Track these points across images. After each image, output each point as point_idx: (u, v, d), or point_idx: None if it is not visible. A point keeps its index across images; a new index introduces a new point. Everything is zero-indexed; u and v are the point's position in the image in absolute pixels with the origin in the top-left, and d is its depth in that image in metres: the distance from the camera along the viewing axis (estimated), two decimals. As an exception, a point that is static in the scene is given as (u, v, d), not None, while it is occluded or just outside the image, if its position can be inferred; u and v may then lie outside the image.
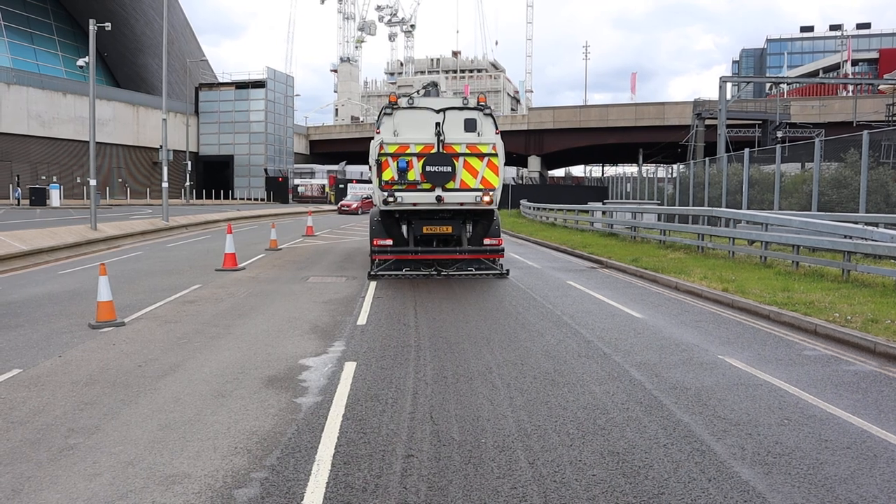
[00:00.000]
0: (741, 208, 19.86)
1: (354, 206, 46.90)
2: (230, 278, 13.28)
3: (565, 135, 67.20)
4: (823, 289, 10.95)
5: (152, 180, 61.46)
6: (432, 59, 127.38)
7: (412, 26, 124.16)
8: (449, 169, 12.82)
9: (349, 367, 6.62)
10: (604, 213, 27.17)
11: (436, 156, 12.83)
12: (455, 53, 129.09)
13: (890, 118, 44.08)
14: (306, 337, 8.08)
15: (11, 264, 14.65)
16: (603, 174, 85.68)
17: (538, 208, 37.38)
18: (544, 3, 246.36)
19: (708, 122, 42.69)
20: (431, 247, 13.83)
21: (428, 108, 12.92)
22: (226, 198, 69.11)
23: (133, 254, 18.14)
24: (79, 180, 54.51)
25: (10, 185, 46.02)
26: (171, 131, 38.57)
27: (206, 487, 3.97)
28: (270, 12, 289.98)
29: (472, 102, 13.07)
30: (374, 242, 13.53)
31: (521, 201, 45.62)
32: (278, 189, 68.08)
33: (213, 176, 70.59)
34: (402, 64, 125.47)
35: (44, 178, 51.49)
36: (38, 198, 41.64)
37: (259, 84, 70.17)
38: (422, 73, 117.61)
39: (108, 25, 22.59)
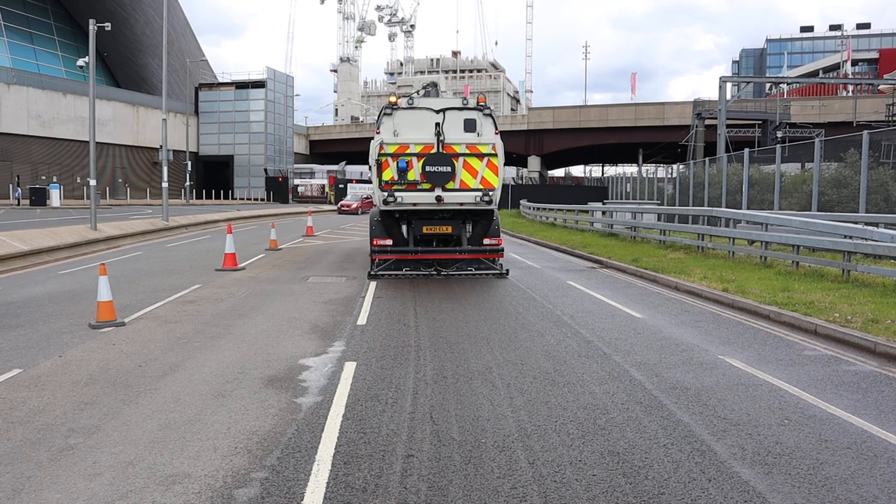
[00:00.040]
0: (741, 208, 19.86)
1: (354, 206, 46.90)
2: (230, 278, 13.28)
3: (565, 135, 67.19)
4: (823, 289, 10.95)
5: (152, 180, 61.45)
6: (432, 59, 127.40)
7: (412, 26, 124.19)
8: (448, 169, 12.84)
9: (349, 367, 6.62)
10: (604, 213, 27.18)
11: (435, 156, 12.84)
12: (455, 53, 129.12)
13: (890, 118, 44.09)
14: (306, 337, 8.08)
15: (11, 264, 14.65)
16: (603, 174, 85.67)
17: (538, 208, 37.38)
18: (544, 3, 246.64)
19: (708, 122, 42.69)
20: (431, 247, 13.85)
21: (428, 109, 12.94)
22: (226, 198, 69.11)
23: (133, 254, 18.14)
24: (79, 180, 54.51)
25: (11, 186, 46.02)
26: (171, 131, 38.60)
27: (206, 487, 3.97)
28: (270, 12, 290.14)
29: (472, 103, 13.09)
30: (374, 242, 13.55)
31: (521, 201, 45.62)
32: (278, 189, 68.09)
33: (213, 176, 70.59)
34: (401, 64, 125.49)
35: (44, 178, 51.48)
36: (38, 198, 41.64)
37: (259, 84, 70.18)
38: (422, 73, 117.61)
39: (107, 25, 22.58)
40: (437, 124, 12.82)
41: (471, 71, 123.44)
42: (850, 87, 62.55)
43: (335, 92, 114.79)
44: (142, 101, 63.69)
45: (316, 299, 10.89)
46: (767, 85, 76.02)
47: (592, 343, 7.81)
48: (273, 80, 71.34)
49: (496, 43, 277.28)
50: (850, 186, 16.90)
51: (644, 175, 38.87)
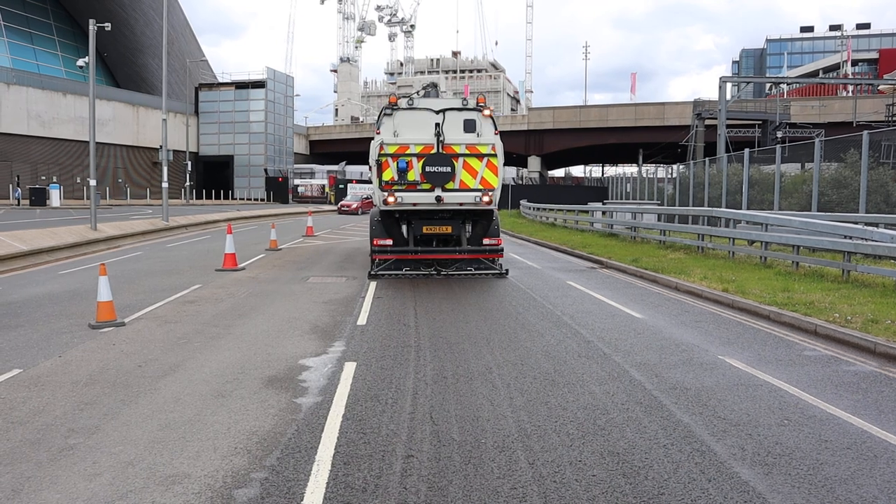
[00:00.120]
0: (741, 208, 19.86)
1: (354, 206, 46.89)
2: (230, 278, 13.28)
3: (565, 135, 67.20)
4: (823, 289, 10.95)
5: (152, 180, 61.46)
6: (432, 60, 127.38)
7: (412, 26, 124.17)
8: (448, 169, 12.87)
9: (349, 368, 6.62)
10: (604, 213, 27.18)
11: (435, 156, 12.87)
12: (455, 53, 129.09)
13: (890, 118, 44.10)
14: (306, 337, 8.08)
15: (12, 264, 14.66)
16: (603, 174, 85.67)
17: (538, 208, 37.38)
18: (544, 4, 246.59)
19: (708, 122, 42.70)
20: (431, 247, 13.87)
21: (427, 109, 12.98)
22: (226, 198, 69.11)
23: (133, 254, 18.15)
24: (79, 180, 54.51)
25: (10, 186, 46.01)
26: (171, 131, 38.60)
27: (206, 487, 3.97)
28: (270, 12, 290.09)
29: (472, 103, 13.12)
30: (375, 242, 13.57)
31: (521, 201, 45.62)
32: (278, 189, 68.10)
33: (213, 176, 70.59)
34: (401, 64, 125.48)
35: (44, 178, 51.48)
36: (38, 198, 41.64)
37: (259, 84, 70.19)
38: (422, 73, 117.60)
39: (107, 25, 22.59)
40: (437, 125, 12.85)
41: (471, 71, 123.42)
42: (850, 88, 62.56)
43: (335, 92, 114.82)
44: (142, 101, 63.70)
45: (316, 299, 10.89)
46: (767, 85, 76.05)
47: (592, 343, 7.81)
48: (273, 80, 71.35)
49: (496, 43, 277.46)
50: (850, 187, 16.90)
51: (644, 175, 38.87)
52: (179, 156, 61.38)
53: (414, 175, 12.96)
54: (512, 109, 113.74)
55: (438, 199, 12.97)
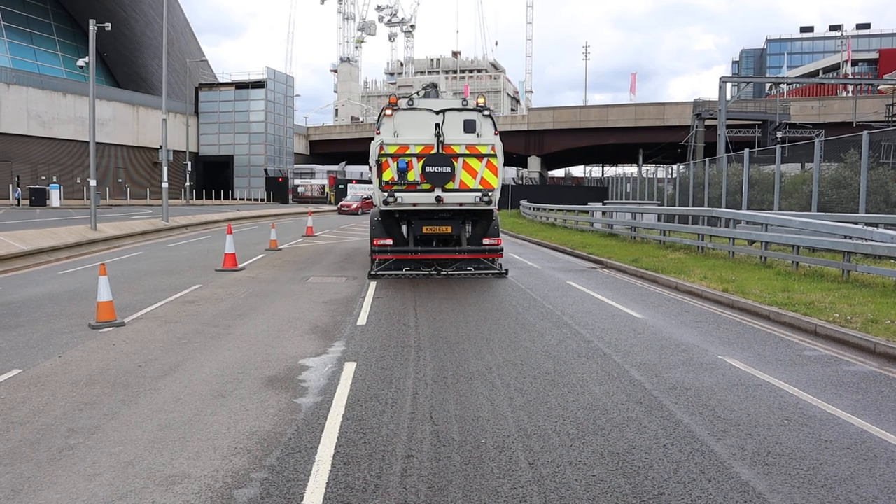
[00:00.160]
0: (741, 208, 19.86)
1: (354, 206, 46.88)
2: (230, 278, 13.28)
3: (565, 135, 67.21)
4: (823, 289, 10.95)
5: (152, 180, 61.46)
6: (432, 60, 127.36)
7: (412, 26, 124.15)
8: (448, 169, 12.88)
9: (349, 368, 6.62)
10: (604, 213, 27.18)
11: (435, 156, 12.89)
12: (455, 54, 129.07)
13: (890, 118, 44.10)
14: (306, 337, 8.08)
15: (12, 264, 14.66)
16: (603, 174, 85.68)
17: (538, 209, 37.38)
18: (544, 4, 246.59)
19: (708, 122, 42.70)
20: (431, 246, 13.89)
21: (427, 110, 13.00)
22: (226, 198, 69.12)
23: (133, 254, 18.15)
24: (79, 180, 54.51)
25: (10, 186, 46.01)
26: (171, 131, 38.60)
27: (206, 488, 3.97)
28: (270, 12, 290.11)
29: (472, 103, 13.14)
30: (375, 242, 13.59)
31: (521, 202, 45.62)
32: (278, 189, 68.10)
33: (213, 176, 70.59)
34: (402, 64, 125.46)
35: (44, 178, 51.49)
36: (38, 198, 41.63)
37: (259, 84, 70.18)
38: (422, 73, 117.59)
39: (108, 25, 22.59)
40: (437, 125, 12.87)
41: (471, 71, 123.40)
42: (850, 88, 62.55)
43: (335, 92, 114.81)
44: (142, 101, 63.70)
45: (316, 299, 10.89)
46: (767, 85, 76.04)
47: (592, 343, 7.81)
48: (273, 81, 71.35)
49: (496, 43, 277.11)
50: (849, 187, 16.90)
51: (644, 175, 38.88)
52: (179, 156, 61.38)
53: (414, 175, 12.98)
54: (512, 109, 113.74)
55: (438, 199, 12.99)
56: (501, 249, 14.16)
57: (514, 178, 68.95)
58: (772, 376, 6.47)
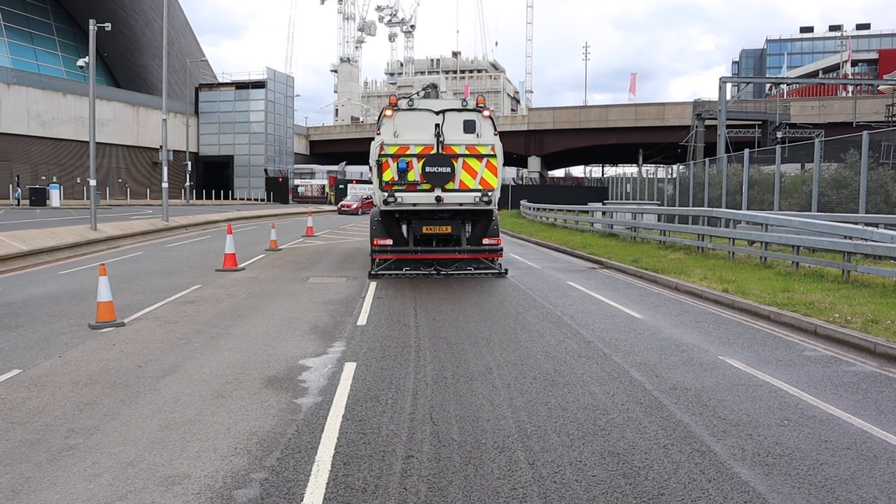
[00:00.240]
0: (741, 209, 19.86)
1: (354, 206, 46.89)
2: (230, 279, 13.28)
3: (565, 135, 67.21)
4: (823, 289, 10.95)
5: (152, 180, 61.46)
6: (432, 60, 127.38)
7: (412, 27, 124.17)
8: (448, 170, 12.90)
9: (349, 368, 6.61)
10: (604, 213, 27.17)
11: (435, 157, 12.91)
12: (455, 54, 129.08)
13: (889, 119, 44.09)
14: (306, 337, 8.08)
15: (11, 264, 14.65)
16: (603, 175, 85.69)
17: (538, 209, 37.38)
18: (544, 4, 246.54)
19: (708, 122, 42.69)
20: (431, 246, 13.92)
21: (427, 110, 13.03)
22: (226, 198, 69.11)
23: (133, 254, 18.15)
24: (79, 180, 54.50)
25: (10, 186, 46.00)
26: (171, 131, 38.58)
27: (206, 488, 3.97)
28: (270, 12, 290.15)
29: (472, 104, 13.17)
30: (375, 242, 13.62)
31: (521, 202, 45.62)
32: (278, 189, 68.10)
33: (213, 176, 70.59)
34: (402, 64, 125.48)
35: (44, 178, 51.48)
36: (38, 198, 41.63)
37: (259, 84, 70.18)
38: (422, 73, 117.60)
39: (108, 25, 22.59)
40: (437, 125, 12.89)
41: (471, 71, 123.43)
42: (850, 88, 62.54)
43: (335, 92, 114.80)
44: (142, 101, 63.71)
45: (316, 300, 10.89)
46: (767, 85, 76.01)
47: (592, 343, 7.80)
48: (273, 81, 71.35)
49: (496, 43, 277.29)
50: (849, 187, 16.90)
51: (644, 175, 38.88)
52: (179, 156, 61.38)
53: (414, 175, 13.00)
54: (512, 110, 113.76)
55: (438, 199, 13.01)
56: (501, 249, 14.19)
57: (514, 179, 68.96)
58: (772, 376, 6.47)
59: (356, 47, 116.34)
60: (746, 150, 20.33)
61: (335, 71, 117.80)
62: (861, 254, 11.92)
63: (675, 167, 31.70)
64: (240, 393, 5.83)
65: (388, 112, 13.04)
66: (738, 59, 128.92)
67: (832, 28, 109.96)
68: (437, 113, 12.97)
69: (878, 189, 16.36)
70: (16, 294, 11.21)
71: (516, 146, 66.93)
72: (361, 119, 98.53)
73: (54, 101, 54.31)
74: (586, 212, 29.54)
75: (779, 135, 40.86)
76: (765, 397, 5.83)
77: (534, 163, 70.99)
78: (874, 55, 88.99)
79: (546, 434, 4.87)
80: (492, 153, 13.13)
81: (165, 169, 27.06)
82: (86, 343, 7.67)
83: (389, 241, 13.55)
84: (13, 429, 4.94)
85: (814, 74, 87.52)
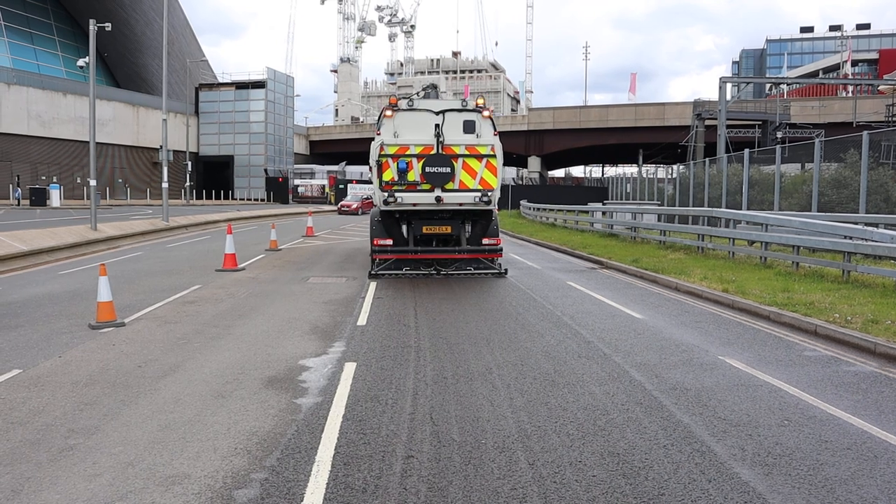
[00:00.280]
0: (741, 209, 19.86)
1: (354, 206, 46.89)
2: (230, 279, 13.28)
3: (565, 135, 67.20)
4: (823, 289, 10.95)
5: (152, 180, 61.46)
6: (432, 60, 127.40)
7: (412, 27, 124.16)
8: (448, 170, 12.92)
9: (349, 368, 6.61)
10: (604, 213, 27.17)
11: (435, 157, 12.92)
12: (455, 54, 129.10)
13: (889, 119, 44.08)
14: (306, 337, 8.08)
15: (11, 264, 14.65)
16: (603, 175, 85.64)
17: (538, 209, 37.37)
18: (544, 4, 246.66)
19: (708, 122, 42.69)
20: (431, 246, 13.93)
21: (427, 110, 13.04)
22: (226, 198, 69.11)
23: (133, 254, 18.15)
24: (79, 180, 54.50)
25: (10, 186, 46.01)
26: (171, 131, 38.58)
27: (206, 488, 3.97)
28: (270, 12, 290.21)
29: (472, 104, 13.18)
30: (375, 242, 13.63)
31: (521, 202, 45.62)
32: (278, 189, 68.10)
33: (213, 176, 70.60)
34: (402, 64, 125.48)
35: (44, 178, 51.48)
36: (38, 198, 41.63)
37: (259, 84, 70.19)
38: (422, 73, 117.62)
39: (108, 26, 22.59)
40: (437, 126, 12.90)
41: (471, 71, 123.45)
42: (850, 88, 62.52)
43: (335, 92, 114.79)
44: (142, 101, 63.70)
45: (316, 300, 10.89)
46: (767, 85, 76.02)
47: (592, 344, 7.80)
48: (273, 81, 71.35)
49: (496, 43, 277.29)
50: (850, 187, 16.91)
51: (644, 175, 38.88)
52: (179, 156, 61.38)
53: (414, 175, 13.01)
54: (512, 110, 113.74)
55: (438, 199, 13.03)
56: (501, 249, 14.20)
57: (514, 179, 68.95)
58: (772, 377, 6.47)
59: (356, 47, 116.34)
60: (746, 150, 20.33)
61: (335, 71, 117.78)
62: (861, 254, 11.92)
63: (675, 167, 31.69)
64: (240, 393, 5.83)
65: (388, 112, 13.05)
66: (738, 59, 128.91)
67: (832, 28, 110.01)
68: (437, 113, 12.99)
69: (878, 189, 16.36)
70: (16, 294, 11.21)
71: (516, 146, 66.93)
72: (361, 119, 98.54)
73: (54, 101, 54.31)
74: (586, 212, 29.54)
75: (779, 135, 40.85)
76: (765, 397, 5.83)
77: (534, 163, 70.99)
78: (874, 55, 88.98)
79: (546, 434, 4.87)
80: (491, 153, 13.15)
81: (165, 169, 27.06)
82: (86, 343, 7.67)
83: (389, 241, 13.56)
84: (13, 429, 4.94)
85: (814, 74, 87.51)
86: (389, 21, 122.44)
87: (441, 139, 12.91)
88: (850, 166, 17.30)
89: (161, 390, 5.90)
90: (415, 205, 13.21)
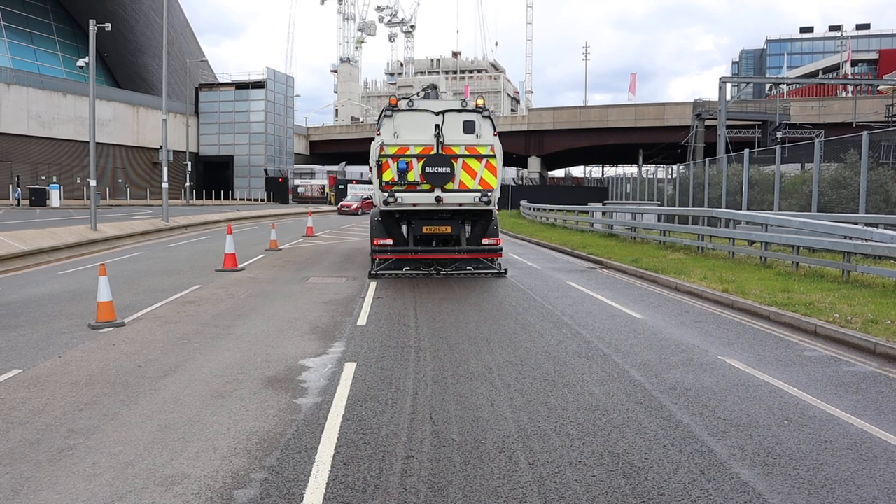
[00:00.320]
0: (741, 209, 19.86)
1: (354, 206, 46.90)
2: (230, 279, 13.28)
3: (565, 135, 67.20)
4: (823, 289, 10.95)
5: (152, 181, 61.45)
6: (432, 60, 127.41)
7: (412, 27, 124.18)
8: (448, 170, 12.93)
9: (349, 368, 6.61)
10: (604, 213, 27.17)
11: (435, 157, 12.93)
12: (455, 54, 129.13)
13: (889, 119, 44.09)
14: (306, 337, 8.08)
15: (11, 264, 14.65)
16: (603, 175, 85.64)
17: (538, 209, 37.37)
18: (544, 4, 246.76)
19: (708, 122, 42.69)
20: (431, 246, 13.94)
21: (427, 111, 13.07)
22: (226, 198, 69.10)
23: (133, 254, 18.15)
24: (79, 181, 54.50)
25: (10, 186, 46.00)
26: (171, 131, 38.59)
27: (206, 488, 3.97)
28: (270, 12, 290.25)
29: (471, 105, 13.20)
30: (375, 242, 13.65)
31: (521, 202, 45.63)
32: (278, 189, 68.09)
33: (213, 176, 70.58)
34: (402, 64, 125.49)
35: (44, 178, 51.48)
36: (38, 198, 41.63)
37: (259, 84, 70.17)
38: (422, 73, 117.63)
39: (108, 26, 22.58)
40: (437, 126, 12.92)
41: (471, 71, 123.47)
42: (850, 88, 62.51)
43: (335, 92, 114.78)
44: (142, 102, 63.69)
45: (316, 300, 10.89)
46: (767, 85, 75.98)
47: (592, 344, 7.80)
48: (273, 81, 71.34)
49: (496, 43, 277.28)
50: (849, 187, 16.91)
51: (644, 176, 38.87)
52: (179, 156, 61.38)
53: (414, 176, 13.02)
54: (512, 110, 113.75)
55: (438, 199, 13.04)
56: (500, 249, 14.21)
57: (514, 179, 68.96)
58: (772, 377, 6.47)
59: (356, 47, 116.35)
60: (746, 151, 20.33)
61: (335, 71, 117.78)
62: (861, 254, 11.92)
63: (675, 167, 31.69)
64: (240, 393, 5.83)
65: (388, 113, 13.08)
66: (738, 60, 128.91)
67: (832, 28, 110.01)
68: (437, 113, 13.02)
69: (878, 189, 16.36)
70: (16, 294, 11.21)
71: (516, 146, 66.92)
72: (361, 119, 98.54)
73: (54, 101, 54.30)
74: (586, 212, 29.54)
75: (779, 135, 40.84)
76: (765, 397, 5.83)
77: (534, 163, 70.98)
78: (874, 55, 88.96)
79: (546, 434, 4.87)
80: (491, 153, 13.17)
81: (165, 169, 27.06)
82: (86, 343, 7.67)
83: (389, 241, 13.58)
84: (13, 429, 4.94)
85: (814, 74, 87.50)
86: (389, 21, 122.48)
87: (441, 139, 12.93)
88: (849, 166, 17.30)
89: (161, 390, 5.90)
90: (415, 205, 13.22)
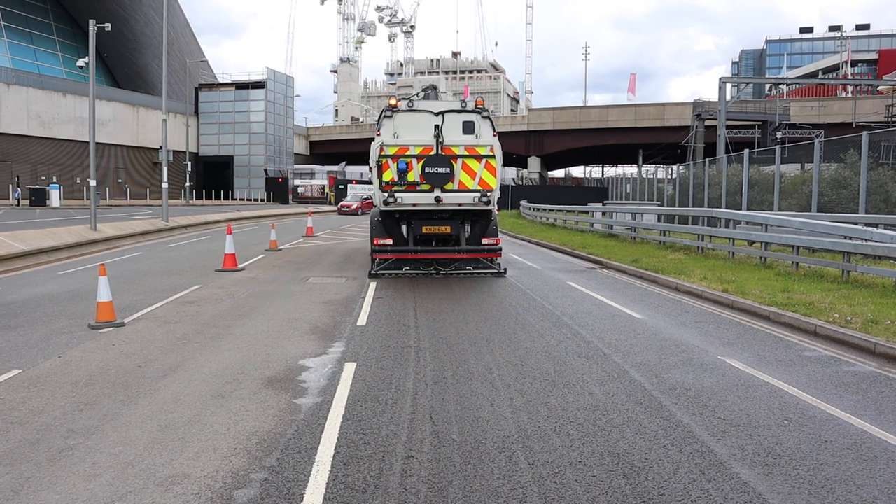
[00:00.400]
0: (741, 209, 19.86)
1: (354, 206, 46.90)
2: (230, 279, 13.28)
3: (565, 135, 67.20)
4: (823, 289, 10.95)
5: (152, 181, 61.44)
6: (432, 60, 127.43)
7: (412, 27, 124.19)
8: (447, 170, 12.95)
9: (349, 368, 6.61)
10: (604, 213, 27.17)
11: (435, 157, 12.95)
12: (455, 54, 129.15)
13: (889, 119, 44.09)
14: (306, 337, 8.08)
15: (11, 264, 14.65)
16: (603, 175, 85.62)
17: (538, 209, 37.36)
18: (544, 4, 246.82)
19: (708, 122, 42.69)
20: (431, 246, 13.96)
21: (427, 111, 13.10)
22: (226, 198, 69.07)
23: (133, 254, 18.14)
24: (79, 181, 54.48)
25: (10, 186, 45.98)
26: (171, 132, 38.57)
27: (206, 488, 3.97)
28: (270, 12, 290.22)
29: (471, 105, 13.22)
30: (375, 242, 13.67)
31: (521, 202, 45.62)
32: (278, 189, 68.08)
33: (213, 176, 70.55)
34: (401, 65, 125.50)
35: (44, 178, 51.45)
36: (38, 198, 41.61)
37: (259, 84, 70.14)
38: (422, 73, 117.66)
39: (107, 26, 22.57)
40: (437, 126, 12.94)
41: (471, 72, 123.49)
42: (850, 88, 62.52)
43: (335, 92, 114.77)
44: (142, 102, 63.68)
45: (316, 300, 10.89)
46: (767, 86, 75.92)
47: (592, 344, 7.80)
48: (273, 81, 71.31)
49: (496, 44, 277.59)
50: (849, 187, 16.91)
51: (644, 176, 38.86)
52: (179, 156, 61.36)
53: (413, 176, 13.04)
54: (512, 110, 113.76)
55: (438, 199, 13.06)
56: (500, 249, 14.23)
57: (513, 179, 68.97)
58: (772, 377, 6.47)
59: (356, 47, 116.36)
60: (746, 151, 20.32)
61: (335, 71, 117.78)
62: (861, 254, 11.92)
63: (674, 167, 31.68)
64: (240, 393, 5.83)
65: (388, 113, 13.11)
66: (737, 60, 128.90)
67: (832, 28, 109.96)
68: (437, 114, 13.05)
69: (878, 189, 16.36)
70: (16, 294, 11.21)
71: (516, 146, 66.92)
72: (361, 119, 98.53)
73: (54, 101, 54.28)
74: (586, 212, 29.53)
75: (778, 135, 40.84)
76: (765, 397, 5.83)
77: (534, 163, 70.98)
78: (874, 55, 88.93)
79: (546, 434, 4.87)
80: (491, 154, 13.19)
81: (165, 169, 27.06)
82: (85, 343, 7.67)
83: (389, 241, 13.59)
84: (13, 429, 4.94)
85: (813, 75, 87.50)
86: (389, 21, 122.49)
87: (441, 140, 12.95)
88: (849, 166, 17.30)
89: (161, 390, 5.89)
90: (414, 205, 13.24)
